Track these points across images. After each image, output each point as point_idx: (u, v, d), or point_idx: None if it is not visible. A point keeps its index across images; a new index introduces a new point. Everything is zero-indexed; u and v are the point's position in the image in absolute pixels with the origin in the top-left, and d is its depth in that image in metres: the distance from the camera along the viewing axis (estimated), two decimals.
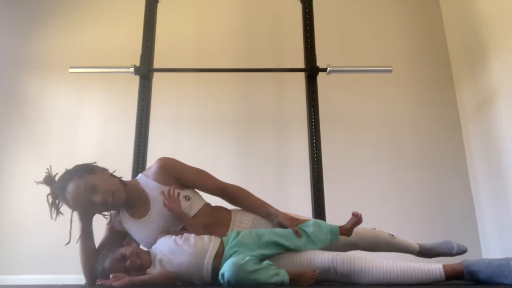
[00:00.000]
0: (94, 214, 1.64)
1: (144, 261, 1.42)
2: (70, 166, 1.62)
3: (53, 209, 1.56)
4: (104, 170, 1.63)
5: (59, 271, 2.68)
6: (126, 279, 1.35)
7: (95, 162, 1.65)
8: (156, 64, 2.48)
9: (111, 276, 1.35)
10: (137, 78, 2.42)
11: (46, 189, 1.59)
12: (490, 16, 2.68)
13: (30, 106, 3.17)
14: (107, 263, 1.43)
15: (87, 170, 1.57)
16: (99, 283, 1.37)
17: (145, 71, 2.38)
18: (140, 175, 1.71)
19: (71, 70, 2.50)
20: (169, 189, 1.56)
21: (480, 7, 2.78)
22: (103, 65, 2.77)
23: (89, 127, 3.12)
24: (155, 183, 1.62)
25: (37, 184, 1.58)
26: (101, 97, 3.19)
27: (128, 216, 1.63)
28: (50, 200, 1.57)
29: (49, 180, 1.58)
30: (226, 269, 1.30)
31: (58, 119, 3.14)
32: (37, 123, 3.13)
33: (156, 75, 2.50)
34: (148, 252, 1.48)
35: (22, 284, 2.59)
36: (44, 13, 3.39)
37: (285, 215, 1.61)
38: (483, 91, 2.78)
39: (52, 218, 1.54)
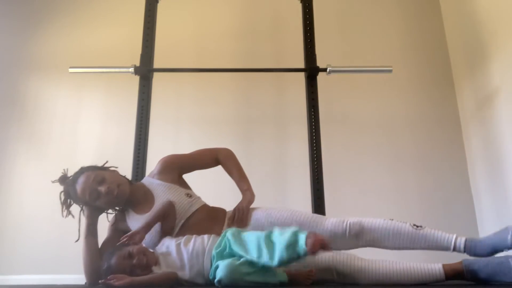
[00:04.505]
0: (101, 213, 1.72)
1: (150, 259, 1.44)
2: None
3: (64, 207, 1.66)
4: (114, 170, 1.77)
5: (59, 271, 2.68)
6: (127, 279, 1.35)
7: (107, 162, 1.77)
8: (156, 64, 2.48)
9: (111, 276, 1.35)
10: (137, 78, 2.42)
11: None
12: (490, 16, 2.67)
13: (30, 106, 3.17)
14: (113, 260, 1.44)
15: (98, 167, 1.72)
16: (101, 282, 1.38)
17: (145, 71, 2.38)
18: (145, 177, 1.83)
19: (71, 70, 2.51)
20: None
21: (480, 7, 2.78)
22: (103, 65, 2.76)
23: (89, 127, 3.12)
24: (159, 181, 1.73)
25: (53, 182, 1.69)
26: (101, 97, 3.19)
27: (133, 214, 1.70)
28: (62, 198, 1.67)
29: (63, 179, 1.69)
30: (220, 271, 1.26)
31: (58, 119, 3.13)
32: (37, 123, 3.12)
33: (156, 75, 2.50)
34: (153, 252, 1.50)
35: (22, 284, 2.59)
36: (44, 13, 3.39)
37: (245, 205, 1.66)
38: (483, 91, 2.78)
39: (63, 216, 1.64)
